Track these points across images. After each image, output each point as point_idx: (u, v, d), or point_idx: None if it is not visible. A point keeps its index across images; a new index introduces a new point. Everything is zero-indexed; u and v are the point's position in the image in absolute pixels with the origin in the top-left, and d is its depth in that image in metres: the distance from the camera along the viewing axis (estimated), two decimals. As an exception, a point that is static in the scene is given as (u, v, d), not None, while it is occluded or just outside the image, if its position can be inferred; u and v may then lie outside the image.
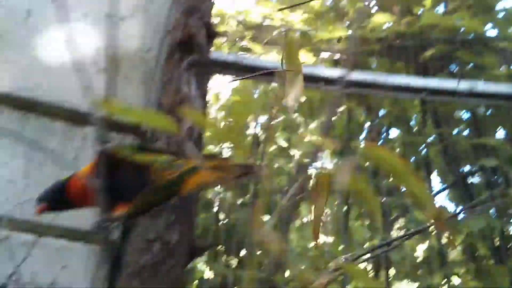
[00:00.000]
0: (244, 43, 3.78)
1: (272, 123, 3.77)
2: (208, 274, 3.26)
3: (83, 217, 1.95)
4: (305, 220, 3.90)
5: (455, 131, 3.95)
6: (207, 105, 2.11)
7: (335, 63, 4.07)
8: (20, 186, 1.96)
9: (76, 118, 2.13)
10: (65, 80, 2.20)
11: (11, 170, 1.98)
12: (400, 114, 3.98)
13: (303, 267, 3.58)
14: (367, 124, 4.26)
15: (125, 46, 2.40)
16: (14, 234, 1.84)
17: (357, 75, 3.18)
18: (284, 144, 3.91)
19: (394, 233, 3.98)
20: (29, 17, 2.33)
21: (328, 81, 3.03)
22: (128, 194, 1.38)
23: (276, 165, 3.87)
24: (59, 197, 1.44)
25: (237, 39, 3.32)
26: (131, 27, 2.44)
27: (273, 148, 3.90)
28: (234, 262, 3.32)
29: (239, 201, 3.65)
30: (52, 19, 2.35)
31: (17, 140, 2.03)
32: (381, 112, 4.19)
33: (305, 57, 3.88)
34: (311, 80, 3.00)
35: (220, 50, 3.57)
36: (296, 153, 4.00)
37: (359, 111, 4.17)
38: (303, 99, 4.12)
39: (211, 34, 2.30)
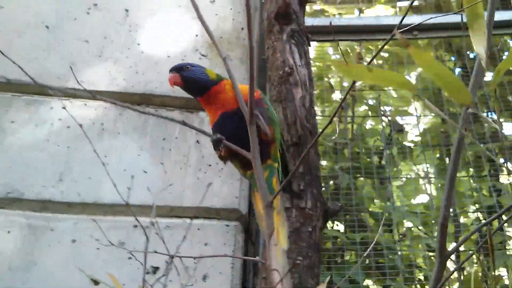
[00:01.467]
0: (317, 6, 3.71)
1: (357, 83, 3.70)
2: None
3: (213, 198, 2.07)
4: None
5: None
6: (311, 72, 2.11)
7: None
8: (154, 175, 2.10)
9: (191, 105, 2.23)
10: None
11: (143, 161, 2.13)
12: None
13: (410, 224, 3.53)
14: (457, 70, 4.05)
15: (220, 28, 2.45)
16: (158, 219, 1.98)
17: (442, 19, 3.01)
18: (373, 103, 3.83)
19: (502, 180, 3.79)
20: (127, 16, 2.45)
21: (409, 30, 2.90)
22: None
23: (368, 126, 3.81)
24: (198, 88, 1.53)
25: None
26: (221, 9, 2.48)
27: (362, 108, 3.83)
28: (341, 225, 3.35)
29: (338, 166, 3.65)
30: (149, 14, 2.46)
31: (143, 133, 2.17)
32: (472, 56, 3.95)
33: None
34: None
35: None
36: (387, 111, 3.90)
37: (448, 57, 3.96)
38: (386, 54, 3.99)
39: (303, 0, 2.28)
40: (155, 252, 1.48)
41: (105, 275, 1.87)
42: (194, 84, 1.54)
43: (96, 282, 1.93)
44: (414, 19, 2.78)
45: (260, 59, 2.54)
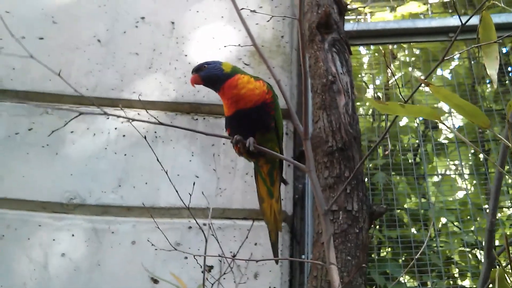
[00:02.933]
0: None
1: (389, 81, 3.76)
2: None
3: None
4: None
5: None
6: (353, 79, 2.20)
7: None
8: (205, 179, 2.23)
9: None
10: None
11: (195, 166, 2.27)
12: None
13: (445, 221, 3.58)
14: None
15: (261, 37, 2.56)
16: (211, 220, 2.12)
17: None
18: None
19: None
20: (173, 29, 2.58)
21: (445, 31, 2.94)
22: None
23: (402, 123, 3.86)
24: (214, 83, 1.63)
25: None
26: (261, 19, 2.58)
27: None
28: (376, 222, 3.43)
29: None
30: (193, 26, 2.59)
31: (193, 139, 2.31)
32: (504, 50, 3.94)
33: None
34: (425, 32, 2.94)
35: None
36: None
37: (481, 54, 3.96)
38: (417, 51, 4.02)
39: (342, 8, 2.37)
40: (219, 256, 1.61)
41: (164, 274, 2.03)
42: (210, 80, 1.65)
43: (155, 281, 2.09)
44: (449, 21, 2.83)
45: (299, 65, 2.64)
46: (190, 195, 1.82)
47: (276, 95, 1.71)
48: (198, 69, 1.65)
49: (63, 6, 2.62)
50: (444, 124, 0.96)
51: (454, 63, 3.94)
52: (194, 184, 1.91)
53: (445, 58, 1.21)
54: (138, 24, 2.58)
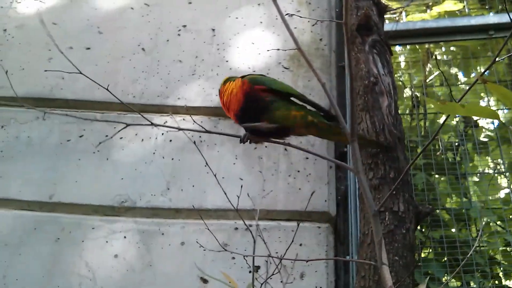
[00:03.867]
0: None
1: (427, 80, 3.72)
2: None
3: (304, 202, 2.23)
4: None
5: None
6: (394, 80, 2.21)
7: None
8: (249, 181, 2.29)
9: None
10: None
11: (239, 169, 2.32)
12: None
13: (487, 220, 3.51)
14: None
15: (299, 40, 2.59)
16: (254, 222, 2.17)
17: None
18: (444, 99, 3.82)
19: None
20: (214, 36, 2.65)
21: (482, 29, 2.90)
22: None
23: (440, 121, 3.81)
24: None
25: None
26: (299, 23, 2.62)
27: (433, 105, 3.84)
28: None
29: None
30: (233, 32, 2.65)
31: (236, 142, 2.36)
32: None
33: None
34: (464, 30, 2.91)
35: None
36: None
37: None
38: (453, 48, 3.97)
39: (381, 10, 2.38)
40: (269, 256, 1.65)
41: (212, 274, 2.09)
42: None
43: (205, 281, 2.15)
44: (489, 19, 2.79)
45: (338, 67, 2.66)
46: (238, 197, 1.87)
47: (260, 75, 1.76)
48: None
49: (108, 17, 2.73)
50: (508, 126, 0.97)
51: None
52: (241, 186, 1.96)
53: (496, 60, 1.22)
54: (180, 32, 2.66)
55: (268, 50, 2.43)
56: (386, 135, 2.02)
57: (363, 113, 2.10)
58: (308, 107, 1.76)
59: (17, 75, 2.59)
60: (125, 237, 2.22)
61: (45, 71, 2.17)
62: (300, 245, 2.17)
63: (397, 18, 3.69)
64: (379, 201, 1.94)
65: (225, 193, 1.84)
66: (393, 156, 1.97)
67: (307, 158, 2.33)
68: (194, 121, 2.18)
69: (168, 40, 2.64)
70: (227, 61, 2.56)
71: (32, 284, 2.14)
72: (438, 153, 2.79)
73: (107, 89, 1.54)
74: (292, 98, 1.74)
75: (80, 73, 1.67)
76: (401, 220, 1.89)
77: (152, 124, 1.65)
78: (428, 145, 1.28)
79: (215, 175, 1.88)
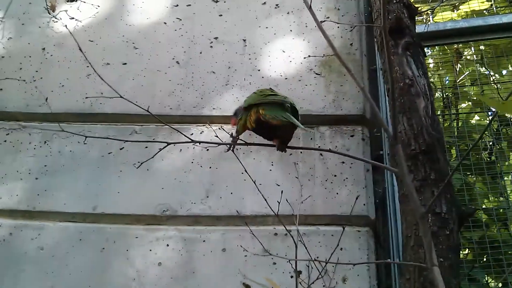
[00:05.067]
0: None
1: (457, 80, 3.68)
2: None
3: (343, 206, 2.24)
4: None
5: None
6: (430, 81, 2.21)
7: None
8: (285, 187, 2.31)
9: (309, 121, 2.42)
10: (294, 90, 2.51)
11: (275, 175, 2.35)
12: None
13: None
14: None
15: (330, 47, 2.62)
16: (295, 227, 2.19)
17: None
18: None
19: None
20: (245, 46, 2.70)
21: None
22: None
23: (473, 121, 3.76)
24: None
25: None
26: (329, 29, 2.65)
27: (466, 104, 3.79)
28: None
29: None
30: (264, 41, 2.70)
31: (271, 149, 2.40)
32: None
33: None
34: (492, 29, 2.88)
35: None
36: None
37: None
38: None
39: (412, 12, 2.38)
40: (315, 259, 1.66)
41: (254, 280, 2.11)
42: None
43: (247, 286, 2.18)
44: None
45: (370, 71, 2.67)
46: (279, 203, 1.90)
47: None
48: (235, 113, 1.76)
49: (142, 32, 2.82)
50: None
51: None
52: (282, 192, 1.99)
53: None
54: (213, 44, 2.72)
55: (305, 58, 2.47)
56: (424, 136, 2.01)
57: (400, 116, 2.10)
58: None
59: (57, 92, 2.70)
60: (167, 245, 2.27)
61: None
62: (341, 249, 2.17)
63: (425, 20, 3.68)
64: (422, 203, 1.93)
65: (265, 199, 1.87)
66: (433, 158, 1.97)
67: (343, 162, 2.34)
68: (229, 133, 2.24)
69: (201, 52, 2.71)
70: (259, 70, 2.61)
71: (80, 293, 2.21)
72: (484, 153, 2.75)
73: (147, 110, 1.59)
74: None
75: (121, 96, 1.72)
76: (444, 222, 1.87)
77: (192, 141, 1.69)
78: (475, 144, 1.28)
79: (254, 182, 1.92)
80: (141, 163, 1.89)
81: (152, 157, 1.85)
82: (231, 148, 1.71)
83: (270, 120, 1.55)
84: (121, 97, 1.72)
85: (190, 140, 1.66)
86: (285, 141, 1.69)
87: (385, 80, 2.26)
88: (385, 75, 2.25)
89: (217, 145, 1.66)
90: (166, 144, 1.67)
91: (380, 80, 2.63)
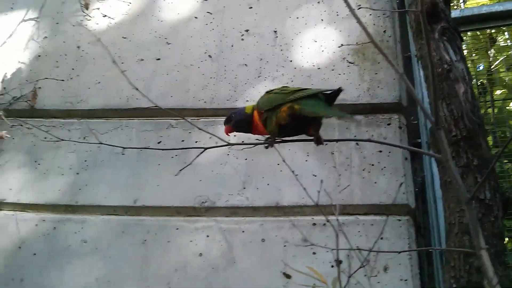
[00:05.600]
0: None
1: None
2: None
3: (382, 195, 2.22)
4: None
5: None
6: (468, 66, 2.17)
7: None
8: (322, 177, 2.30)
9: (346, 109, 2.41)
10: (328, 80, 2.50)
11: (311, 165, 2.36)
12: None
13: None
14: None
15: (363, 34, 2.60)
16: (333, 217, 2.18)
17: None
18: None
19: None
20: (276, 37, 2.70)
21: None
22: None
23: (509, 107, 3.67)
24: (245, 124, 1.68)
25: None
26: (361, 17, 2.62)
27: (501, 90, 3.71)
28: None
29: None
30: (295, 32, 2.69)
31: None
32: None
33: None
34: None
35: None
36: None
37: None
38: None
39: (448, -2, 2.34)
40: (358, 248, 1.66)
41: (295, 269, 2.12)
42: (240, 127, 1.71)
43: (288, 276, 2.20)
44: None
45: (404, 58, 2.64)
46: (319, 192, 1.90)
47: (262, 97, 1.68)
48: (227, 120, 1.73)
49: (174, 27, 2.85)
50: None
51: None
52: (321, 181, 1.99)
53: None
54: (244, 37, 2.73)
55: (338, 47, 2.45)
56: (465, 122, 1.98)
57: (439, 102, 2.07)
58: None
59: (94, 89, 2.76)
60: (207, 236, 2.30)
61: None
62: (381, 238, 2.16)
63: (455, 6, 3.60)
64: (468, 190, 1.90)
65: (304, 188, 1.87)
66: (475, 144, 1.94)
67: (380, 151, 2.33)
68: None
69: (232, 45, 2.72)
70: (291, 61, 2.61)
71: (124, 286, 2.26)
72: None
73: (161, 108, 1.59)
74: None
75: (145, 96, 1.72)
76: (488, 208, 1.85)
77: (228, 144, 1.68)
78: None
79: (293, 172, 1.93)
80: (182, 169, 1.86)
81: (190, 163, 1.84)
82: (270, 147, 1.69)
83: (308, 114, 1.52)
84: (149, 100, 1.73)
85: (226, 144, 1.65)
86: (318, 130, 1.67)
87: (423, 66, 2.22)
88: (423, 60, 2.21)
89: (253, 145, 1.64)
90: (203, 149, 1.67)
91: (415, 67, 2.60)
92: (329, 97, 1.61)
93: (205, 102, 2.59)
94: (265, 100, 1.66)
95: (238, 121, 1.71)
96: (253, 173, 2.39)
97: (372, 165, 2.32)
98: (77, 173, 2.55)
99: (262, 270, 2.20)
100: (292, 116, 1.55)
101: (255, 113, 1.67)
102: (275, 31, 2.72)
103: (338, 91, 1.55)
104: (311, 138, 1.66)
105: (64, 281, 2.32)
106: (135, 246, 2.33)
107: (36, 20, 3.09)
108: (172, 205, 2.38)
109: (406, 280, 2.07)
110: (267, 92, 1.69)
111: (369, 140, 1.56)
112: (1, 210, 2.56)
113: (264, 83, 2.58)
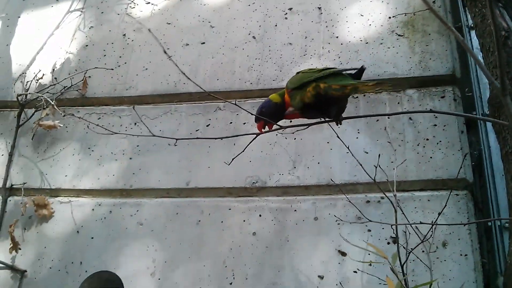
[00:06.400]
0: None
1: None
2: None
3: (438, 170, 2.16)
4: None
5: None
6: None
7: None
8: (374, 154, 2.27)
9: (397, 83, 2.35)
10: (376, 55, 2.45)
11: (362, 142, 2.33)
12: None
13: None
14: None
15: (411, 6, 2.52)
16: (387, 193, 2.15)
17: None
18: None
19: None
20: (321, 14, 2.66)
21: None
22: None
23: None
24: (276, 114, 1.63)
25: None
26: (409, -12, 2.54)
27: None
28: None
29: None
30: (340, 7, 2.63)
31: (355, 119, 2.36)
32: None
33: None
34: None
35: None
36: None
37: None
38: None
39: (503, -39, 2.22)
40: (421, 222, 1.63)
41: (349, 247, 2.11)
42: (272, 117, 1.64)
43: (343, 253, 2.19)
44: None
45: (455, 28, 2.53)
46: (376, 167, 1.88)
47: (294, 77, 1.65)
48: (258, 118, 1.66)
49: (217, 10, 2.85)
50: None
51: None
52: (379, 156, 1.96)
53: None
54: (287, 16, 2.70)
55: (390, 18, 2.38)
56: (527, 91, 1.89)
57: (496, 70, 1.99)
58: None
59: (142, 75, 2.81)
60: (260, 215, 2.32)
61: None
62: (439, 214, 2.11)
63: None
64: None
65: (361, 165, 1.86)
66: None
67: (435, 125, 2.26)
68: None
69: (276, 25, 2.70)
70: (337, 37, 2.56)
71: (181, 266, 2.32)
72: None
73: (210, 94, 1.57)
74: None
75: (189, 79, 1.71)
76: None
77: (281, 127, 1.65)
78: None
79: (347, 147, 1.91)
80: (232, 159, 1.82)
81: (243, 151, 1.81)
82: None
83: (334, 92, 1.47)
84: (194, 83, 1.73)
85: (279, 127, 1.63)
86: (343, 111, 1.63)
87: (478, 34, 2.13)
88: (478, 28, 2.12)
89: (307, 126, 1.61)
90: (255, 135, 1.65)
91: (466, 38, 2.50)
92: (355, 76, 1.56)
93: (251, 83, 2.59)
94: (293, 79, 1.64)
95: (272, 113, 1.66)
96: (303, 153, 2.38)
97: (427, 139, 2.26)
98: (130, 158, 2.62)
99: (316, 248, 2.20)
100: (317, 96, 1.53)
101: (286, 97, 1.64)
102: (319, 8, 2.67)
103: (361, 69, 1.51)
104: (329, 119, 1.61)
105: (122, 263, 2.41)
106: (190, 227, 2.39)
107: (81, 11, 3.17)
108: (223, 186, 2.41)
109: (466, 255, 2.03)
110: (297, 73, 1.67)
111: (430, 111, 1.52)
112: (58, 196, 2.67)
113: (310, 61, 2.56)
